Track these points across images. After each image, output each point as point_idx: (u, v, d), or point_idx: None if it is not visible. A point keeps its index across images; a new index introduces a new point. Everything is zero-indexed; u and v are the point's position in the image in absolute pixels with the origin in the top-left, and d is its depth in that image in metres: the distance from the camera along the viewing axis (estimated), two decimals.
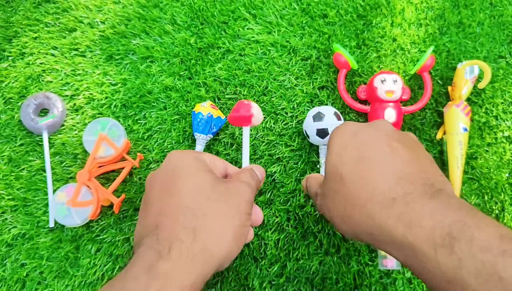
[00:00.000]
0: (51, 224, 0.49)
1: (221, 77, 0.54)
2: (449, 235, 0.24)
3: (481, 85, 0.49)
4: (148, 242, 0.28)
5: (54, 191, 0.50)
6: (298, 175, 0.50)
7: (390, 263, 0.45)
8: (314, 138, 0.48)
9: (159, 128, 0.52)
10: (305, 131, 0.49)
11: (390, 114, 0.49)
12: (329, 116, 0.47)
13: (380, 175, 0.28)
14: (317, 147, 0.50)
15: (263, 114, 0.52)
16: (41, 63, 0.55)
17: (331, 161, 0.31)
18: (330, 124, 0.47)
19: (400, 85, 0.49)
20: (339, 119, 0.48)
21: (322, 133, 0.47)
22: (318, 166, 0.50)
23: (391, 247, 0.27)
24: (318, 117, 0.47)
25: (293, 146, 0.51)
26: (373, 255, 0.47)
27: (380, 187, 0.27)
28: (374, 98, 0.50)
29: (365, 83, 0.53)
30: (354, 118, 0.52)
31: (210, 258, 0.28)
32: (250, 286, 0.46)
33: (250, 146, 0.50)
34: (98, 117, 0.52)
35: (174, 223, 0.29)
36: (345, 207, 0.29)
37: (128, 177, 0.51)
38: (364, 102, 0.52)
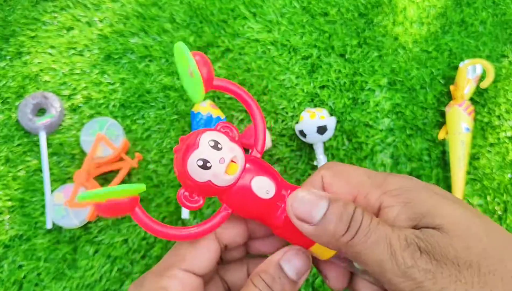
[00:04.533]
0: (49, 225, 0.48)
1: (220, 76, 0.53)
2: None
3: (483, 84, 0.49)
4: None
5: (52, 191, 0.49)
6: (299, 175, 0.49)
7: None
8: (312, 136, 0.47)
9: (158, 128, 0.52)
10: (301, 131, 0.47)
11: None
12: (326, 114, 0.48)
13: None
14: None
15: (263, 114, 0.51)
16: (38, 63, 0.55)
17: (461, 243, 0.22)
18: (329, 121, 0.47)
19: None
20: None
21: (322, 130, 0.46)
22: (315, 163, 0.49)
23: None
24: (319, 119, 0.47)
25: (293, 146, 0.50)
26: None
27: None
28: None
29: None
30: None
31: None
32: None
33: None
34: (96, 117, 0.52)
35: None
36: None
37: (126, 177, 0.50)
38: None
